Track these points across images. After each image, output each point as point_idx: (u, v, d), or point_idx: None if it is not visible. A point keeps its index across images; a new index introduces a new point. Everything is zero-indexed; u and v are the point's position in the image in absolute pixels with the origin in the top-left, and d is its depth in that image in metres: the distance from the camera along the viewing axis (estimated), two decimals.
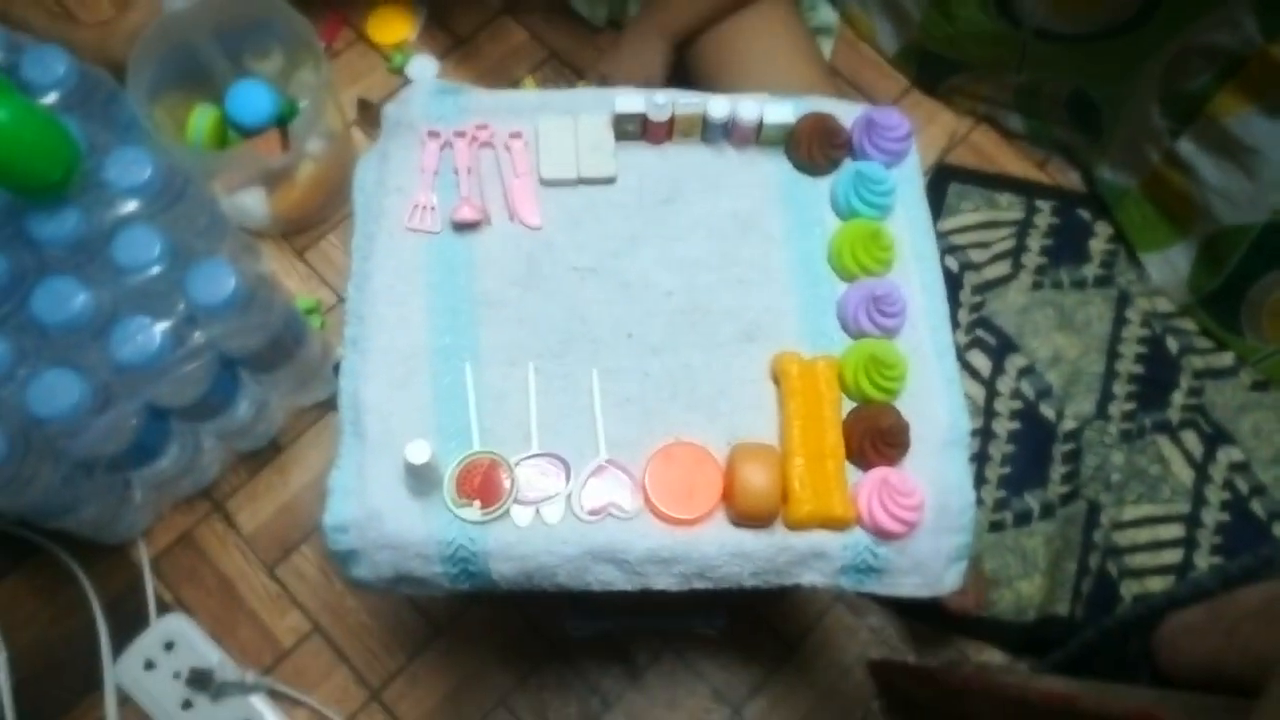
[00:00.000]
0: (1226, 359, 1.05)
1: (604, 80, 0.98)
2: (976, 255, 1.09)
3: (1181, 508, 0.99)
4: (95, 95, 0.85)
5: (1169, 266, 1.07)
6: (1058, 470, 1.00)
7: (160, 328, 0.73)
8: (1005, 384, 1.04)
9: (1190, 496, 1.00)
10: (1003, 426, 1.02)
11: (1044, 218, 1.11)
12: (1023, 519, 0.98)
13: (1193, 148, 0.98)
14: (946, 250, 1.07)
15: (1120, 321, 1.07)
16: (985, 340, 1.05)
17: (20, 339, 0.73)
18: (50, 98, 0.81)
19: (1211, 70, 0.93)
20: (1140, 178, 1.06)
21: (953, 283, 1.06)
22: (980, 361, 1.04)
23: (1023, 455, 1.00)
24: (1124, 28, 0.98)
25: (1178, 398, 1.04)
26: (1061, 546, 0.97)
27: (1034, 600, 0.95)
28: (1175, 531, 0.98)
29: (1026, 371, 1.04)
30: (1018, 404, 1.03)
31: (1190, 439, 1.02)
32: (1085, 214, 1.12)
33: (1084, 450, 1.00)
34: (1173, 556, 0.97)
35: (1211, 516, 0.99)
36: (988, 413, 1.02)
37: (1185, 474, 1.01)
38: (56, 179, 0.73)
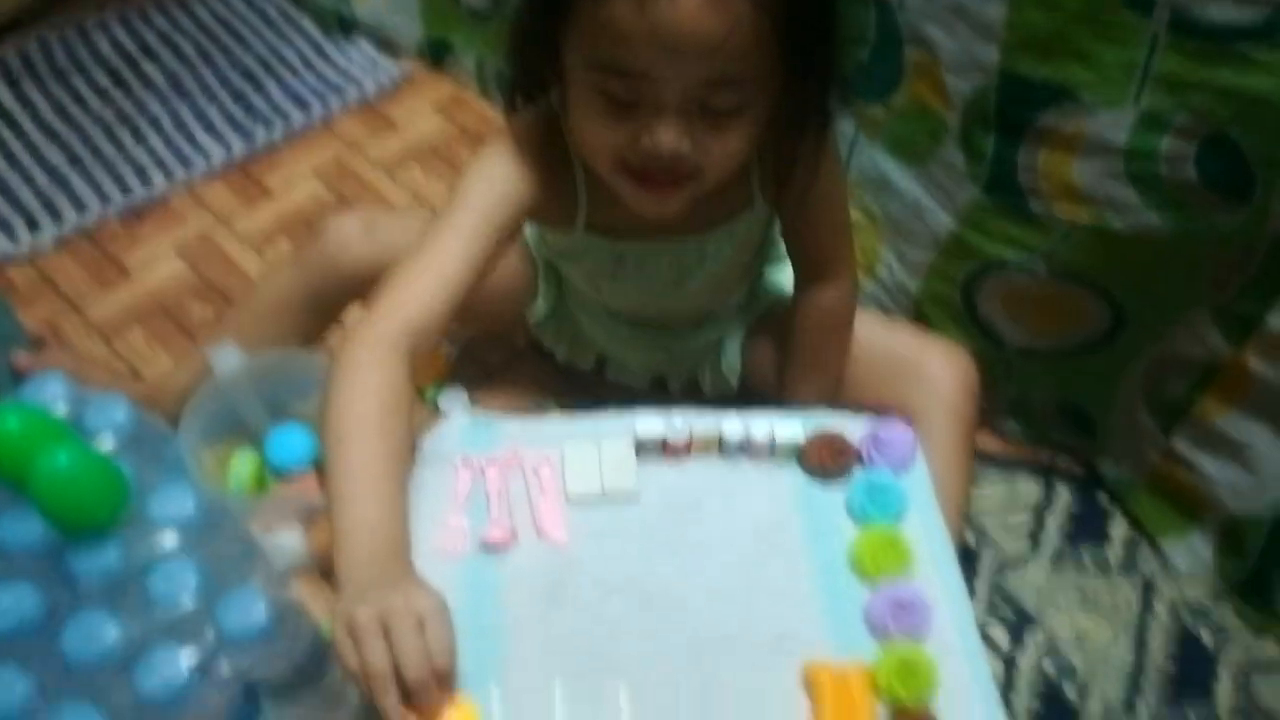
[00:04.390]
0: (1271, 649, 1.02)
1: None
2: (995, 531, 1.10)
3: None
4: (148, 438, 0.91)
5: (1192, 554, 1.07)
6: None
7: (187, 660, 0.73)
8: (1025, 659, 1.01)
9: None
10: (1022, 704, 0.98)
11: (1062, 500, 1.14)
12: None
13: (1187, 445, 1.02)
14: (965, 524, 1.08)
15: (1147, 611, 1.05)
16: (1004, 614, 1.04)
17: (45, 676, 0.73)
18: (107, 442, 0.87)
19: (1189, 379, 1.00)
20: (1143, 473, 1.09)
21: (970, 556, 1.07)
22: (999, 635, 1.02)
23: None
24: (1096, 345, 1.06)
25: (1223, 694, 0.99)
26: None
27: None
28: None
29: (1048, 648, 1.01)
30: (1038, 681, 0.99)
31: None
32: (1104, 498, 1.14)
33: None
34: None
35: None
36: (1006, 688, 0.98)
37: None
38: (105, 518, 0.77)
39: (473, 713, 0.62)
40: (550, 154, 0.80)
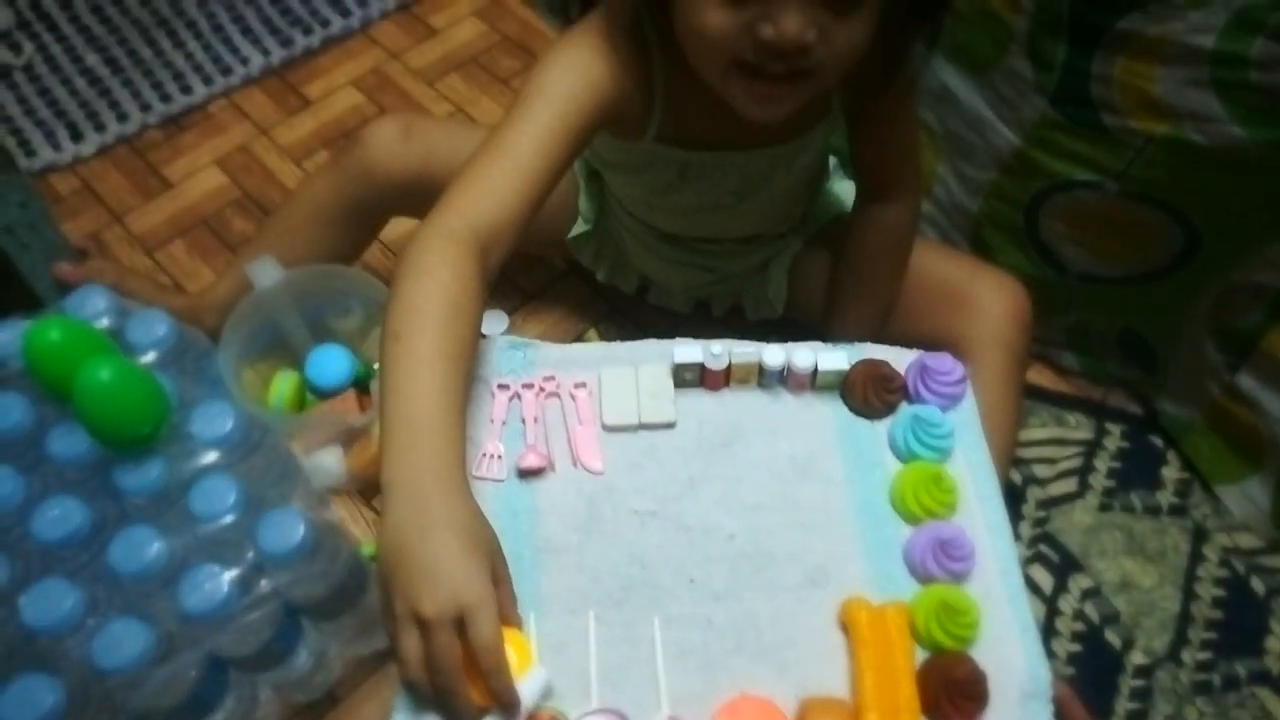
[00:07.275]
0: None
1: None
2: (1042, 471, 1.08)
3: None
4: (189, 353, 0.92)
5: (1247, 500, 1.03)
6: (1124, 705, 0.93)
7: (228, 576, 0.74)
8: (1068, 604, 0.99)
9: None
10: (1062, 648, 0.97)
11: (1114, 440, 1.10)
12: None
13: (1253, 382, 0.98)
14: (1011, 464, 1.06)
15: (1197, 557, 1.02)
16: (1048, 556, 1.02)
17: (93, 588, 0.74)
18: (149, 356, 0.87)
19: (1260, 308, 0.95)
20: (1202, 410, 1.05)
21: (1015, 496, 1.05)
22: (1042, 577, 1.01)
23: (1082, 680, 0.94)
24: (1164, 271, 1.00)
25: (1274, 645, 0.97)
26: None
27: None
28: None
29: (1091, 593, 1.00)
30: (1080, 626, 0.98)
31: None
32: (1157, 440, 1.10)
33: (1155, 692, 0.94)
34: None
35: None
36: (1047, 631, 0.97)
37: None
38: (147, 433, 0.77)
39: (525, 644, 0.60)
40: (630, 54, 0.73)
